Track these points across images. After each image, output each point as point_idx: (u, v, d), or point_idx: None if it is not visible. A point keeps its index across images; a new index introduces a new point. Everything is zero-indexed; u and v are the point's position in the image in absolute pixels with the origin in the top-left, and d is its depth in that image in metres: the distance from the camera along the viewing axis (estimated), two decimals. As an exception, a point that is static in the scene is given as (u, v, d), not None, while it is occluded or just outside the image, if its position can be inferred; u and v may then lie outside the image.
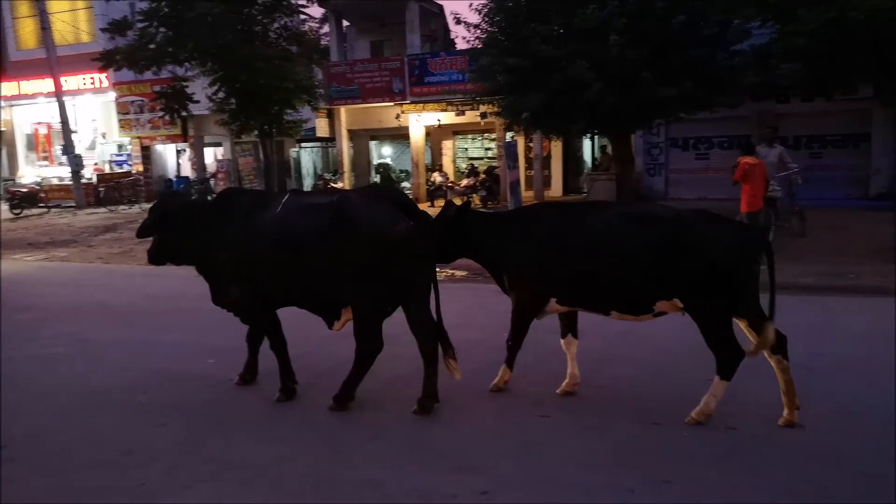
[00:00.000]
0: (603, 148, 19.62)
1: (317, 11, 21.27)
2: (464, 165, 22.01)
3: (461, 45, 20.85)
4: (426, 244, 4.35)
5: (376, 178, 23.11)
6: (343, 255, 4.20)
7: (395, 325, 4.48)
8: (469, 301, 7.38)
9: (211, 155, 24.50)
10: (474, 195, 17.90)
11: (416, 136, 20.55)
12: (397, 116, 19.73)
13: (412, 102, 19.44)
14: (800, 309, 6.26)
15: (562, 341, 4.66)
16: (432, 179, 19.54)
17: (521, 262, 4.46)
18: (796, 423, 3.98)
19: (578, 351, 4.64)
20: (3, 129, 26.55)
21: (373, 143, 24.03)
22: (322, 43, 21.92)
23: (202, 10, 13.56)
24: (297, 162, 23.61)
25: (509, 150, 13.87)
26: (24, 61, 25.11)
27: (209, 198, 6.40)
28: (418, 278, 4.37)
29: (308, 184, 23.73)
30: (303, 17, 17.67)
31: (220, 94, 16.15)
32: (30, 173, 25.62)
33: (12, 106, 26.12)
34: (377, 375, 4.54)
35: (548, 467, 3.65)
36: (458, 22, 13.64)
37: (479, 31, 13.63)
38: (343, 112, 20.91)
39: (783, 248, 9.20)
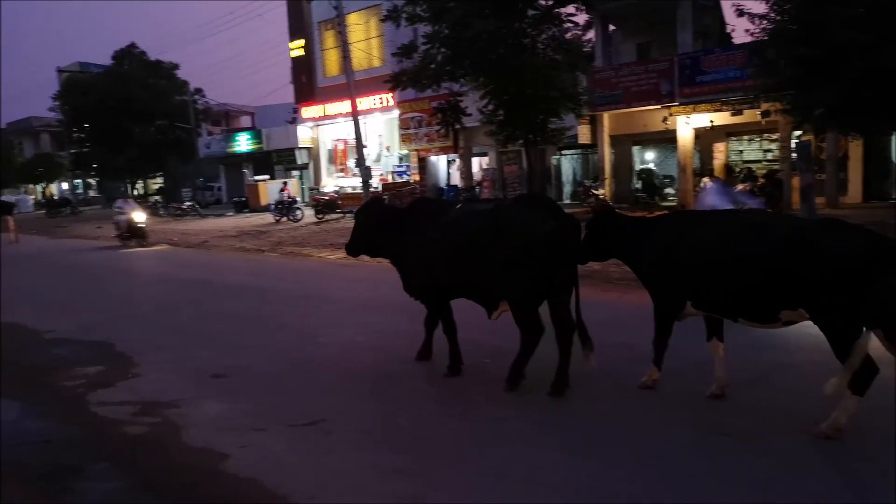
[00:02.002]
0: (921, 146, 16.53)
1: (581, 17, 21.34)
2: (737, 169, 20.24)
3: (739, 39, 19.25)
4: (567, 245, 4.82)
5: (638, 185, 22.38)
6: (495, 253, 4.84)
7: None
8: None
9: (477, 164, 26.02)
10: (750, 201, 16.34)
11: (684, 139, 19.45)
12: (664, 119, 18.88)
13: (681, 104, 18.46)
14: None
15: (707, 344, 4.75)
16: (702, 184, 18.28)
17: (655, 266, 4.75)
18: None
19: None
20: (310, 146, 31.33)
21: (635, 148, 23.29)
22: (585, 49, 21.89)
23: (479, 28, 14.46)
24: (558, 169, 23.92)
25: (803, 152, 12.44)
26: (328, 87, 29.37)
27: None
28: (560, 275, 4.84)
29: (567, 191, 23.89)
30: (567, 25, 17.86)
31: (490, 107, 17.06)
32: (330, 183, 29.80)
33: (318, 126, 30.70)
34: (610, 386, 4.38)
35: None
36: (741, 14, 12.58)
37: (764, 22, 12.42)
38: (606, 118, 20.66)
39: None
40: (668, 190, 22.03)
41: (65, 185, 52.57)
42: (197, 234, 21.71)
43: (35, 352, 7.29)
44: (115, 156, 36.25)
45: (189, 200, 33.01)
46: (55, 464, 4.32)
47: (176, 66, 38.92)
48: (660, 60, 19.32)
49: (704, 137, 20.37)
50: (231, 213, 30.48)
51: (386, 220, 6.02)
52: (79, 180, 50.85)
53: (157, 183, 44.72)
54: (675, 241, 4.60)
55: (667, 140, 20.79)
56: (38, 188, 53.83)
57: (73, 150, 41.62)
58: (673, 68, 18.36)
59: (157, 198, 37.87)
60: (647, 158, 23.71)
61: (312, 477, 3.91)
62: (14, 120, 58.27)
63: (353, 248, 6.28)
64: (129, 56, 38.33)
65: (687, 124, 19.10)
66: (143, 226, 18.88)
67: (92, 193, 53.08)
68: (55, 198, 47.05)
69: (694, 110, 18.47)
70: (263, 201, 28.98)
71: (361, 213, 6.31)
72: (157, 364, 6.45)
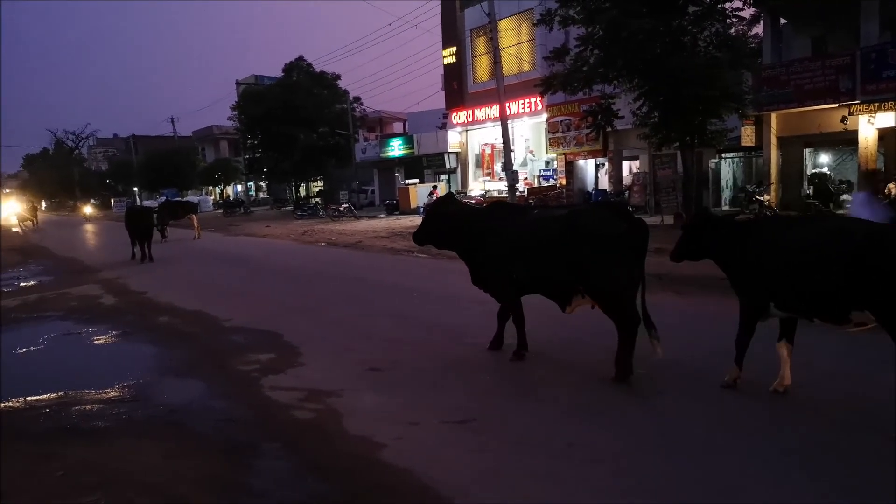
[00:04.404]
0: None
1: (747, 11, 19.91)
2: (930, 175, 17.89)
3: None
4: (638, 245, 5.34)
5: (809, 190, 20.49)
6: (572, 252, 5.39)
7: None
8: None
9: (627, 168, 25.19)
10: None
11: (866, 140, 17.53)
12: (843, 119, 17.15)
13: (863, 102, 16.66)
14: None
15: (777, 344, 4.95)
16: (887, 190, 16.39)
17: (745, 269, 4.93)
18: None
19: None
20: (459, 150, 32.03)
21: (807, 151, 21.36)
22: (750, 45, 20.40)
23: (634, 27, 14.00)
24: (716, 173, 22.53)
25: None
26: (478, 92, 29.88)
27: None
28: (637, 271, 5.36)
29: (727, 196, 22.43)
30: (732, 20, 16.78)
31: (644, 109, 16.46)
32: (477, 187, 30.27)
33: (467, 130, 31.32)
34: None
35: None
36: (942, 0, 11.14)
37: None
38: (774, 118, 19.15)
39: None
40: (845, 196, 19.98)
41: (239, 188, 57.98)
42: (352, 235, 22.96)
43: (216, 338, 8.11)
44: (283, 160, 39.37)
45: (345, 203, 34.97)
46: (235, 440, 4.77)
47: (338, 77, 41.42)
48: (839, 55, 17.57)
49: (890, 139, 18.26)
50: (383, 215, 31.88)
51: (460, 217, 6.52)
52: (251, 183, 55.80)
53: (317, 186, 47.89)
54: (765, 245, 4.79)
55: (844, 142, 18.87)
56: (217, 190, 59.73)
57: (247, 156, 45.77)
58: (855, 63, 16.62)
59: (317, 200, 40.52)
60: (821, 162, 21.68)
61: (465, 474, 4.00)
62: (198, 129, 65.30)
63: (420, 238, 6.80)
64: (297, 68, 41.37)
65: (870, 124, 17.21)
66: None
67: (262, 195, 58.03)
68: (231, 199, 51.98)
69: (879, 108, 16.61)
70: (413, 204, 30.06)
71: (434, 208, 6.81)
72: (320, 354, 6.93)
